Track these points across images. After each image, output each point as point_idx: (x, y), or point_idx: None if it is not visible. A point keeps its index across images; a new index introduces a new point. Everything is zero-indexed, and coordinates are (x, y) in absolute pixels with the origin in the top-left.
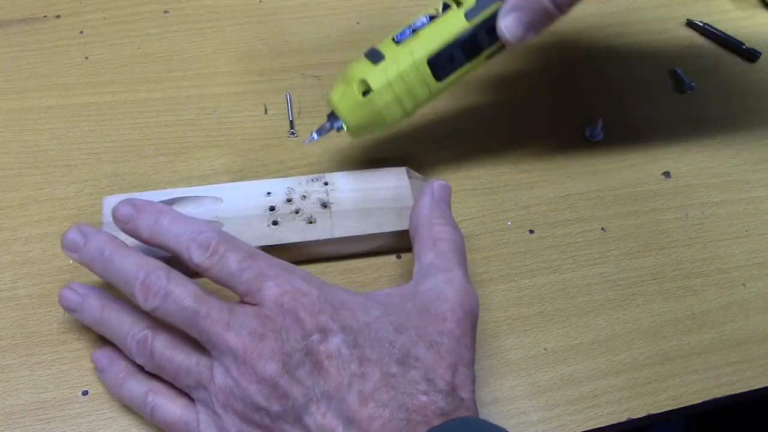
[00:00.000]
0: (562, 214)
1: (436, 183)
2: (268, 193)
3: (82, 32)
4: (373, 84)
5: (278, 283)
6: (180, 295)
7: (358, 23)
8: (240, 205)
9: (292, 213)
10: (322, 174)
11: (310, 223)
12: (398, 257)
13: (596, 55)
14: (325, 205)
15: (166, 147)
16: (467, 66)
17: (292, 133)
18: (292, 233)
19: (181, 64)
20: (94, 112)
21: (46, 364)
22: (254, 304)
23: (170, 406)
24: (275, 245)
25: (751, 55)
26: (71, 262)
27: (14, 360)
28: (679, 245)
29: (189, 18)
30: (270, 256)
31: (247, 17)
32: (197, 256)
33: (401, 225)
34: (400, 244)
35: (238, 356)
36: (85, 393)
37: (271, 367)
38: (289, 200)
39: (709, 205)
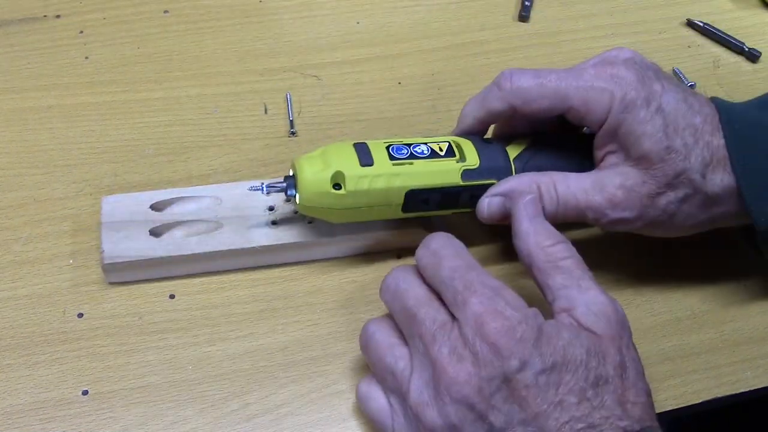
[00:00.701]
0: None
1: (524, 201)
2: (267, 193)
3: (82, 32)
4: (349, 185)
5: (482, 302)
6: (406, 295)
7: (358, 23)
8: (239, 204)
9: (291, 212)
10: None
11: (310, 222)
12: (398, 257)
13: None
14: None
15: (166, 147)
16: (433, 212)
17: (292, 133)
18: (291, 233)
19: (181, 64)
20: (94, 112)
21: (46, 364)
22: (458, 319)
23: (377, 395)
24: (274, 245)
25: (751, 55)
26: (71, 261)
27: (14, 360)
28: (679, 245)
29: (189, 18)
30: (485, 272)
31: (247, 17)
32: (420, 258)
33: (401, 224)
34: (399, 243)
35: (436, 374)
36: (85, 393)
37: (466, 391)
38: (288, 200)
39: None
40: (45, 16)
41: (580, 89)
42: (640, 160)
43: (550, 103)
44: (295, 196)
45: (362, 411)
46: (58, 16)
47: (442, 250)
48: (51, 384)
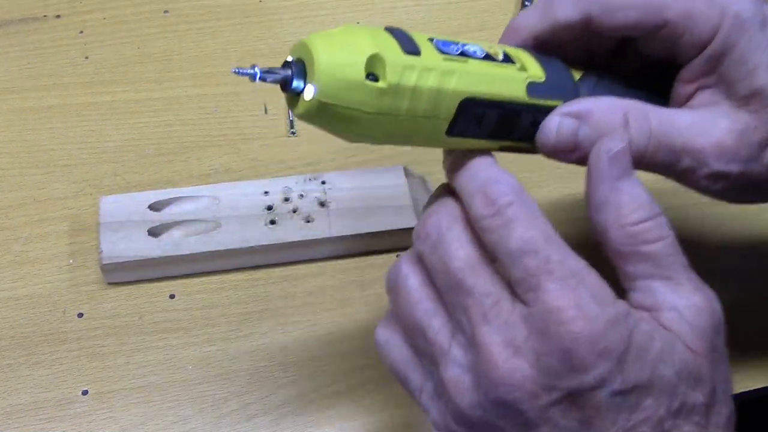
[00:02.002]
0: (564, 213)
1: (608, 151)
2: (266, 193)
3: (82, 32)
4: (391, 75)
5: (561, 292)
6: (451, 253)
7: (358, 23)
8: (238, 204)
9: (289, 212)
10: (319, 173)
11: (308, 222)
12: (398, 257)
13: None
14: (322, 204)
15: (166, 147)
16: (481, 140)
17: (293, 133)
18: (289, 232)
19: (181, 64)
20: (94, 112)
21: (46, 364)
22: (523, 302)
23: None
24: (273, 244)
25: None
26: (71, 261)
27: (14, 360)
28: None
29: (189, 18)
30: (566, 247)
31: (247, 17)
32: (477, 209)
33: (400, 223)
34: (399, 243)
35: (481, 362)
36: (85, 393)
37: (517, 395)
38: (286, 199)
39: (709, 205)
40: (45, 16)
41: None
42: (749, 98)
43: (638, 16)
44: (302, 91)
45: (382, 361)
46: (58, 16)
47: (510, 209)
48: (51, 384)
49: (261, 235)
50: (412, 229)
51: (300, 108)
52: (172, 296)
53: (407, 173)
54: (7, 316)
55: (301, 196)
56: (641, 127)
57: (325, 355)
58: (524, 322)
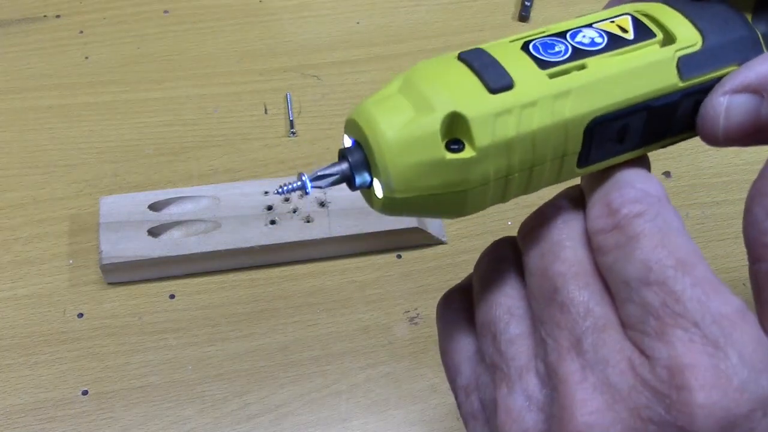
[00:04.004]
0: None
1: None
2: (266, 193)
3: (82, 32)
4: (480, 135)
5: (700, 344)
6: (557, 250)
7: (358, 23)
8: (238, 204)
9: (289, 212)
10: None
11: (308, 222)
12: (398, 257)
13: None
14: (322, 204)
15: (166, 147)
16: (626, 155)
17: (293, 133)
18: (289, 232)
19: (181, 64)
20: (94, 112)
21: (46, 364)
22: (641, 350)
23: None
24: (273, 244)
25: None
26: (71, 261)
27: (14, 360)
28: None
29: (189, 18)
30: (711, 277)
31: (247, 17)
32: (593, 221)
33: (400, 223)
34: (399, 243)
35: (558, 406)
36: (85, 393)
37: None
38: (286, 199)
39: (709, 205)
40: (45, 16)
41: None
42: None
43: None
44: (370, 185)
45: (437, 322)
46: (58, 16)
47: (637, 222)
48: (51, 384)
49: (261, 235)
50: (412, 229)
51: (376, 206)
52: (172, 296)
53: None
54: (7, 316)
55: (301, 196)
56: None
57: (325, 355)
58: (631, 372)
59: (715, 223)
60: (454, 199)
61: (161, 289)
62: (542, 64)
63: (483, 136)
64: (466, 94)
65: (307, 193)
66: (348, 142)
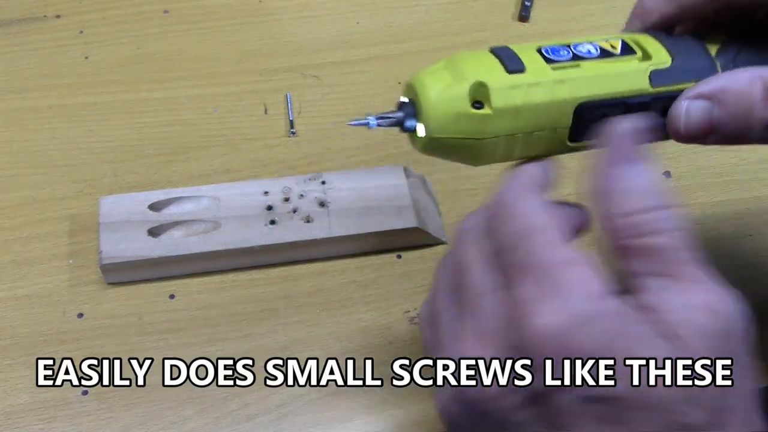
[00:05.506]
0: None
1: (616, 131)
2: (266, 193)
3: (82, 32)
4: (496, 100)
5: (536, 283)
6: (513, 213)
7: (358, 23)
8: (238, 204)
9: (289, 212)
10: (319, 173)
11: (308, 222)
12: (398, 257)
13: None
14: (322, 204)
15: (166, 147)
16: None
17: (293, 133)
18: (289, 232)
19: (181, 64)
20: (94, 112)
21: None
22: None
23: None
24: (273, 244)
25: None
26: (71, 261)
27: (14, 360)
28: None
29: (189, 18)
30: (558, 237)
31: (247, 17)
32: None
33: (400, 223)
34: (399, 243)
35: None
36: (85, 393)
37: (477, 395)
38: (286, 199)
39: (709, 205)
40: (45, 16)
41: None
42: None
43: None
44: (415, 129)
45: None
46: (58, 16)
47: (516, 215)
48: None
49: (261, 235)
50: (412, 229)
51: (416, 144)
52: (172, 296)
53: (407, 173)
54: (7, 316)
55: (301, 196)
56: None
57: (325, 355)
58: (505, 315)
59: (715, 224)
60: (473, 144)
61: (161, 289)
62: (549, 61)
63: (498, 100)
64: (489, 71)
65: (370, 127)
66: (405, 100)
